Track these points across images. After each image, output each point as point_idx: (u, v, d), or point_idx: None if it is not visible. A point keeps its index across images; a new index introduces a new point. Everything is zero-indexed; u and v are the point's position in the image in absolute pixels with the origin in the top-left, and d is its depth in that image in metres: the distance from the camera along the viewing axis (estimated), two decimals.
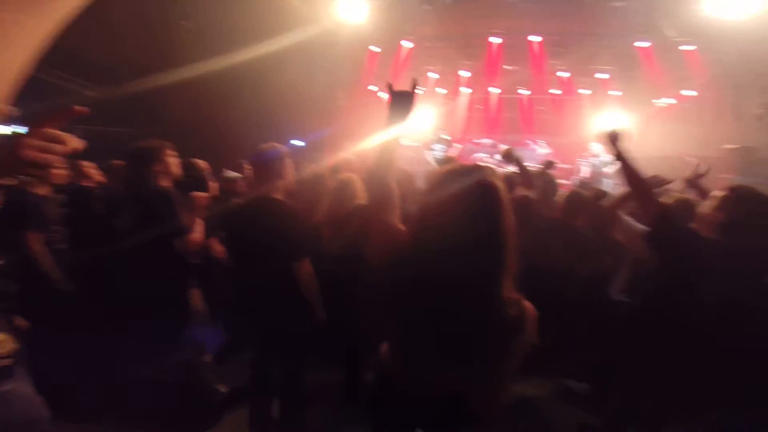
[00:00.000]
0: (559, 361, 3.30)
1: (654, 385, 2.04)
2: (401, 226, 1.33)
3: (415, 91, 1.44)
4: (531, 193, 3.20)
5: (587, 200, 3.28)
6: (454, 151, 12.03)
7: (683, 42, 8.52)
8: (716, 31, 7.24)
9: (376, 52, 10.27)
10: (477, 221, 1.15)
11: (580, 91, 12.54)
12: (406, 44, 10.19)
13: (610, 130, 2.12)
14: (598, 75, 11.32)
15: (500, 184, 1.20)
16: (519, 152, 3.59)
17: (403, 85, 1.44)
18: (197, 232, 2.45)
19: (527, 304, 1.23)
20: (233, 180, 3.94)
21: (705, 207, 2.08)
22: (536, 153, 11.86)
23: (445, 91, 13.25)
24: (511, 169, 3.60)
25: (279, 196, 2.24)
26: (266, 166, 2.24)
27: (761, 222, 1.79)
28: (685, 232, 1.93)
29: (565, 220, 3.04)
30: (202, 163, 3.55)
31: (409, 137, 11.44)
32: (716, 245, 1.85)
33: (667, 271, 1.93)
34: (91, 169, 3.35)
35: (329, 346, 2.80)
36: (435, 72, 12.45)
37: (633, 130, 11.27)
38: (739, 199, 1.88)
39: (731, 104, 9.15)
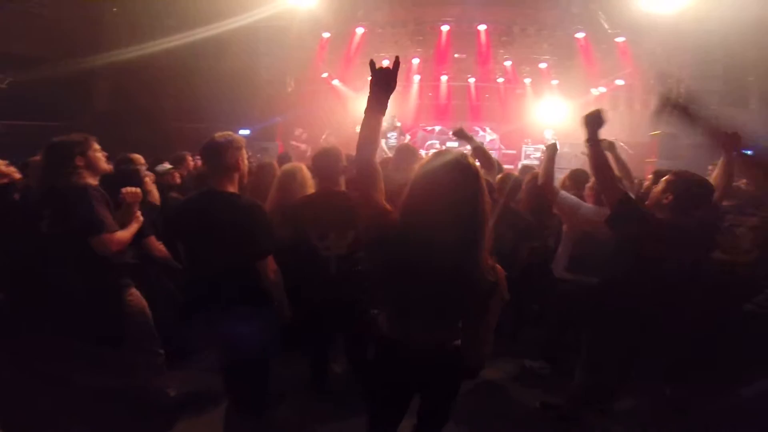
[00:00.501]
0: (516, 341, 3.45)
1: (617, 360, 2.16)
2: (387, 205, 1.42)
3: (397, 69, 1.48)
4: (490, 176, 3.23)
5: (522, 183, 3.39)
6: (407, 138, 12.14)
7: (617, 34, 9.06)
8: (645, 24, 7.75)
9: (327, 39, 10.02)
10: (461, 200, 1.31)
11: (524, 80, 13.06)
12: (359, 30, 10.03)
13: (593, 112, 2.17)
14: (541, 65, 11.82)
15: (479, 168, 1.36)
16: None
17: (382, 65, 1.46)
18: (127, 230, 2.26)
19: (499, 268, 1.42)
20: (167, 173, 3.65)
21: (654, 191, 2.24)
22: (484, 140, 12.23)
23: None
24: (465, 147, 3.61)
25: (232, 188, 2.06)
26: (218, 157, 2.03)
27: (700, 201, 2.04)
28: (643, 214, 2.06)
29: (505, 202, 3.10)
30: (136, 156, 3.27)
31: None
32: (669, 223, 2.03)
33: (630, 249, 2.07)
34: (3, 166, 3.00)
35: (291, 340, 2.74)
36: (387, 59, 12.39)
37: (570, 117, 12.06)
38: (682, 181, 2.08)
39: (656, 93, 9.88)
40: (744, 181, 3.76)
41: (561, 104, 11.86)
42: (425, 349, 1.45)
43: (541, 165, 2.91)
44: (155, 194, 2.95)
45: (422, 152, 11.52)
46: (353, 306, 2.30)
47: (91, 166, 2.26)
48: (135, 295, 2.35)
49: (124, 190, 2.30)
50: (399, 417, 1.64)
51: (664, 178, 2.19)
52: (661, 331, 1.95)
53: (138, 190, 2.38)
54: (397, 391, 1.58)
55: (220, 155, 2.02)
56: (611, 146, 2.83)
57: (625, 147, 8.37)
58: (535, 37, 10.11)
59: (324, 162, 2.34)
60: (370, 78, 1.46)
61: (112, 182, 2.41)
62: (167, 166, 3.74)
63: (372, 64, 1.47)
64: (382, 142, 10.61)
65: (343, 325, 2.51)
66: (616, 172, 2.53)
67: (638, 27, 8.14)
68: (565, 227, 2.97)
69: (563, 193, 2.84)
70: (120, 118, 6.40)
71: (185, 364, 2.80)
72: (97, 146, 2.31)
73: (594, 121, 2.14)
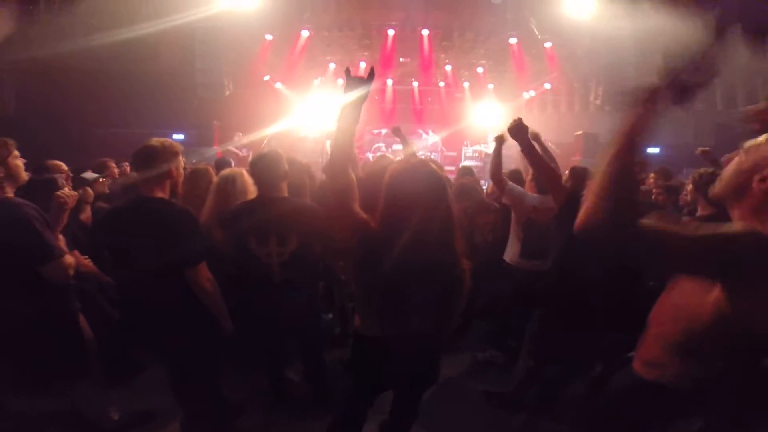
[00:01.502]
0: (465, 336, 3.52)
1: (560, 342, 2.27)
2: (362, 214, 1.47)
3: (372, 78, 1.53)
4: None
5: (464, 185, 3.61)
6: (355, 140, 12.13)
7: (545, 39, 9.72)
8: (568, 29, 8.40)
9: (270, 41, 9.75)
10: (435, 206, 1.44)
11: (463, 84, 13.61)
12: (304, 33, 9.88)
13: (514, 123, 2.29)
14: (478, 69, 12.37)
15: (448, 178, 1.51)
16: (411, 139, 3.78)
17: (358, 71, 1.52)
18: (63, 248, 2.06)
19: (466, 262, 1.55)
20: (94, 181, 3.37)
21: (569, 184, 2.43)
22: (427, 142, 12.53)
23: (341, 81, 13.21)
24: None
25: (162, 195, 1.96)
26: (151, 163, 1.93)
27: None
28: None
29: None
30: (58, 164, 3.00)
31: (309, 129, 11.15)
32: None
33: (576, 242, 2.18)
34: None
35: (244, 352, 2.63)
36: (333, 62, 12.33)
37: (505, 120, 12.63)
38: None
39: (579, 96, 10.76)
40: (652, 175, 4.20)
41: (497, 108, 12.49)
42: (412, 340, 1.53)
43: (490, 159, 3.12)
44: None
45: (369, 155, 11.53)
46: (300, 312, 2.28)
47: (12, 176, 1.97)
48: (82, 319, 2.21)
49: (60, 192, 2.07)
50: (365, 414, 1.74)
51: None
52: (599, 315, 2.08)
53: (75, 193, 2.17)
54: (373, 386, 1.68)
55: (152, 161, 1.93)
56: (536, 136, 3.04)
57: (553, 147, 9.04)
58: (472, 42, 10.60)
59: (263, 167, 2.25)
60: (343, 85, 1.49)
61: (31, 192, 2.14)
62: (92, 174, 3.44)
63: (347, 71, 1.52)
64: (327, 145, 10.51)
65: (293, 331, 2.47)
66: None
67: (563, 32, 8.79)
68: (513, 216, 3.13)
69: (511, 183, 3.05)
70: (28, 124, 5.75)
71: (129, 383, 2.66)
72: (16, 152, 2.03)
73: (518, 130, 2.28)
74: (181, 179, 2.08)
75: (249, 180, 2.49)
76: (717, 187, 1.23)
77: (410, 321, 1.52)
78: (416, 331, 1.53)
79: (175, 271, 1.90)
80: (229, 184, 2.50)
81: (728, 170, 1.21)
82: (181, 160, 2.06)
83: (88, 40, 5.73)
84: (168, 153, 1.97)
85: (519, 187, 3.07)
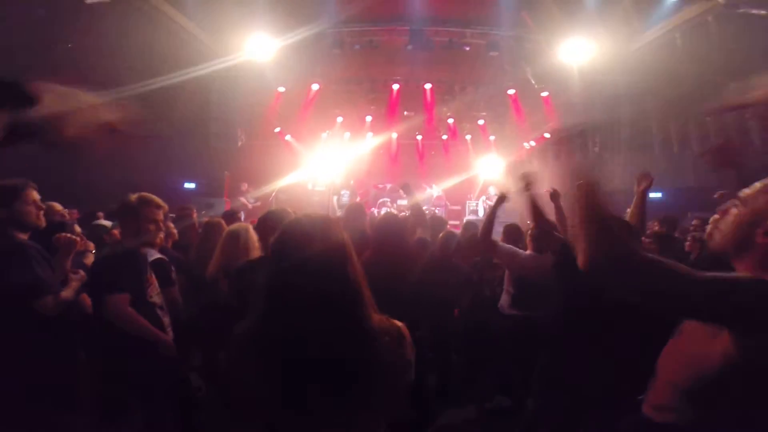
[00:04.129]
0: (475, 385, 3.50)
1: (566, 386, 2.22)
2: None
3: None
4: (425, 232, 3.44)
5: (460, 239, 3.71)
6: (361, 196, 12.30)
7: (542, 89, 10.11)
8: (564, 77, 8.77)
9: (281, 93, 10.19)
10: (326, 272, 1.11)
11: (465, 136, 14.03)
12: (314, 86, 10.36)
13: (516, 168, 2.33)
14: (479, 122, 12.79)
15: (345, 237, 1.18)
16: (417, 194, 3.91)
17: None
18: (69, 288, 2.16)
19: (396, 323, 1.19)
20: (105, 228, 3.41)
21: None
22: (432, 196, 12.66)
23: (348, 134, 13.68)
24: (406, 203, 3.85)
25: (139, 246, 2.19)
26: (125, 216, 2.22)
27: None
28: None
29: (444, 257, 3.32)
30: (57, 206, 3.15)
31: (317, 182, 11.34)
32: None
33: (574, 290, 2.22)
34: None
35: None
36: (341, 115, 12.83)
37: (506, 171, 12.97)
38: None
39: (578, 143, 11.01)
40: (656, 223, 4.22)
41: (498, 159, 12.76)
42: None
43: (483, 219, 3.18)
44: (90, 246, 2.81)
45: (374, 210, 11.64)
46: None
47: (16, 220, 2.08)
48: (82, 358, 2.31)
49: (59, 235, 2.21)
50: None
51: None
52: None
53: (75, 238, 2.27)
54: None
55: (125, 213, 2.21)
56: (555, 196, 3.08)
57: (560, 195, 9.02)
58: (473, 94, 11.05)
59: (269, 225, 2.28)
60: None
61: (42, 235, 2.25)
62: (107, 223, 3.50)
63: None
64: (334, 199, 10.63)
65: None
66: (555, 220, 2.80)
67: (558, 81, 9.16)
68: (506, 271, 3.26)
69: (500, 243, 3.19)
70: (50, 167, 5.90)
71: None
72: (30, 197, 2.12)
73: (518, 170, 2.37)
74: (152, 229, 2.24)
75: (254, 236, 2.59)
76: (717, 240, 1.22)
77: (323, 416, 1.10)
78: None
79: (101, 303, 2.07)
80: (234, 239, 2.62)
81: (727, 223, 1.19)
82: (153, 211, 2.24)
83: (118, 86, 6.01)
84: (139, 208, 2.20)
85: (509, 246, 3.19)
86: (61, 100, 0.79)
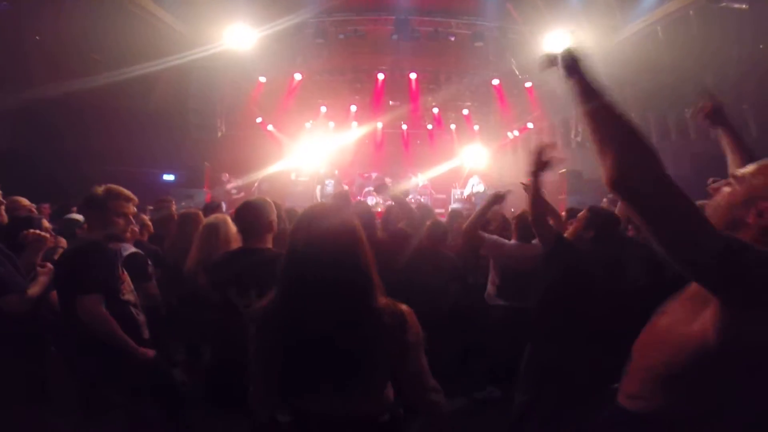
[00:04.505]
0: (463, 375, 3.48)
1: (556, 375, 2.25)
2: None
3: None
4: (405, 224, 3.47)
5: (448, 227, 3.70)
6: (344, 185, 12.22)
7: (525, 79, 10.14)
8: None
9: (263, 83, 9.98)
10: (339, 255, 1.22)
11: (450, 126, 14.04)
12: (297, 76, 10.18)
13: (538, 148, 2.32)
14: (464, 111, 12.80)
15: (357, 223, 1.29)
16: (402, 184, 3.88)
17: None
18: (37, 284, 2.11)
19: (402, 307, 1.27)
20: (78, 222, 3.27)
21: (572, 227, 2.51)
22: (417, 185, 12.66)
23: (333, 124, 13.53)
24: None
25: (98, 235, 2.10)
26: (90, 208, 2.13)
27: (616, 233, 2.35)
28: (574, 250, 2.29)
29: (432, 246, 3.34)
30: (23, 200, 3.04)
31: (300, 172, 11.20)
32: (593, 255, 2.27)
33: (565, 280, 2.28)
34: None
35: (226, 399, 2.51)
36: (325, 105, 12.66)
37: (492, 160, 13.09)
38: (597, 216, 2.37)
39: (560, 134, 11.12)
40: None
41: (483, 148, 12.81)
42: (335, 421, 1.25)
43: (476, 211, 3.22)
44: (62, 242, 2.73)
45: (359, 199, 11.62)
46: None
47: None
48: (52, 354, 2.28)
49: (26, 231, 2.17)
50: None
51: (581, 215, 2.45)
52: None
53: (44, 234, 2.24)
54: None
55: (91, 205, 2.12)
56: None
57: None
58: (458, 84, 11.03)
59: (247, 216, 2.18)
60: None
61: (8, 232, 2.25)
62: (79, 217, 3.37)
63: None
64: (318, 188, 10.52)
65: None
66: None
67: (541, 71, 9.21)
68: (491, 262, 3.30)
69: (486, 235, 3.21)
70: (21, 160, 5.67)
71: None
72: None
73: (538, 158, 2.31)
74: (120, 223, 2.17)
75: (233, 228, 2.50)
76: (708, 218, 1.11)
77: (334, 393, 1.22)
78: (348, 407, 1.23)
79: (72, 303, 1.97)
80: (213, 232, 2.56)
81: (719, 203, 1.14)
82: (122, 204, 2.16)
83: (88, 76, 5.77)
84: (103, 199, 2.11)
85: (494, 237, 3.24)
86: None
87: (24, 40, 5.73)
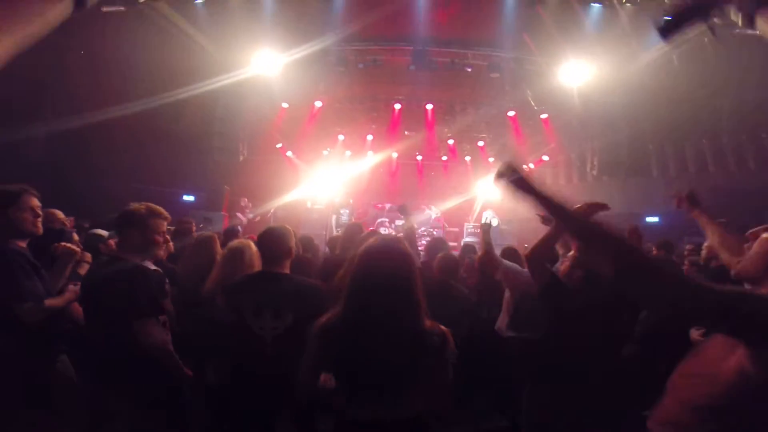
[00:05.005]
0: (472, 406, 3.41)
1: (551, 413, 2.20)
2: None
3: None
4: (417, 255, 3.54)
5: (458, 261, 3.70)
6: (359, 215, 12.26)
7: (541, 111, 10.21)
8: (562, 99, 8.85)
9: (284, 109, 10.28)
10: (398, 284, 1.49)
11: (465, 158, 14.13)
12: (317, 103, 10.47)
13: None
14: (479, 143, 12.89)
15: (411, 255, 1.59)
16: (415, 215, 3.97)
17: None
18: (60, 298, 2.18)
19: (441, 328, 1.54)
20: (102, 237, 3.36)
21: (563, 266, 2.46)
22: (430, 218, 12.62)
23: (349, 153, 13.76)
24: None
25: (134, 257, 2.11)
26: (126, 227, 2.14)
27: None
28: (566, 291, 2.24)
29: (443, 279, 3.32)
30: (58, 213, 3.12)
31: (316, 200, 11.31)
32: (582, 296, 2.22)
33: (556, 320, 2.29)
34: None
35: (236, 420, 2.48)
36: (342, 134, 12.93)
37: (503, 193, 12.87)
38: (587, 258, 2.27)
39: (576, 167, 11.07)
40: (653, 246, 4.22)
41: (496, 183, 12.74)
42: (393, 425, 1.48)
43: (480, 243, 3.21)
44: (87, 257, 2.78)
45: (372, 230, 11.57)
46: (293, 383, 2.23)
47: (9, 227, 2.08)
48: (64, 362, 2.27)
49: (59, 244, 2.23)
50: None
51: (570, 254, 2.42)
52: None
53: (75, 248, 2.31)
54: None
55: (128, 224, 2.13)
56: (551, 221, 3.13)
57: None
58: (473, 115, 11.17)
59: (268, 242, 2.35)
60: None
61: (38, 242, 2.27)
62: (104, 232, 3.48)
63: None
64: (332, 218, 10.58)
65: (286, 400, 2.35)
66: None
67: (557, 102, 9.26)
68: (507, 293, 3.22)
69: (505, 261, 3.18)
70: (50, 173, 5.85)
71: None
72: (27, 204, 2.12)
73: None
74: (161, 245, 2.24)
75: (256, 253, 2.60)
76: (742, 266, 1.27)
77: (384, 400, 1.47)
78: (394, 412, 1.48)
79: (124, 327, 1.98)
80: (237, 256, 2.63)
81: (755, 250, 1.24)
82: (158, 222, 2.20)
83: (126, 97, 6.02)
84: (138, 218, 2.12)
85: (514, 265, 3.20)
86: None
87: (66, 57, 6.06)
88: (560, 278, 2.35)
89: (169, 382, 2.09)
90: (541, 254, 2.32)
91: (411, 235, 3.80)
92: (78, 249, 2.36)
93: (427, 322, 1.51)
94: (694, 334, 2.79)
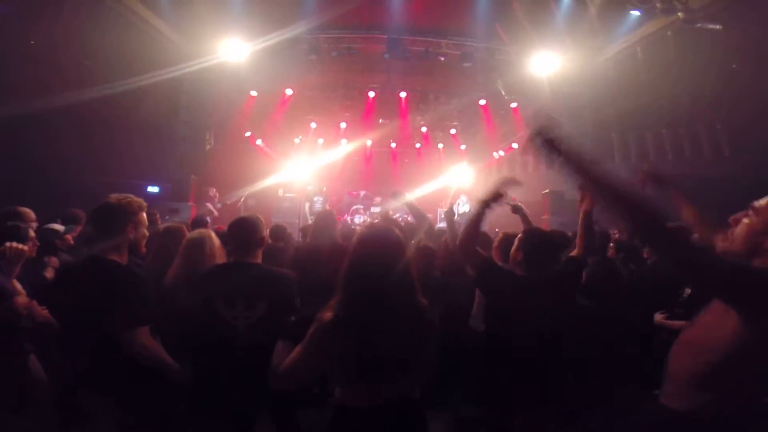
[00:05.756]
0: (445, 393, 3.39)
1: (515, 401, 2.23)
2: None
3: None
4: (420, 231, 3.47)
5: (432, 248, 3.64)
6: (333, 203, 12.16)
7: (511, 100, 10.39)
8: (531, 89, 9.02)
9: (254, 97, 9.98)
10: (395, 267, 1.52)
11: (438, 145, 14.22)
12: (288, 91, 10.24)
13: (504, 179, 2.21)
14: (451, 131, 13.00)
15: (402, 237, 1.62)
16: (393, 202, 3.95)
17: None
18: (21, 293, 2.13)
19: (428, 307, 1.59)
20: (57, 233, 3.24)
21: (513, 249, 2.44)
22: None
23: (322, 141, 13.56)
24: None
25: (117, 256, 1.96)
26: (108, 221, 1.96)
27: (546, 257, 2.25)
28: (503, 274, 2.22)
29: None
30: (26, 211, 2.99)
31: (288, 188, 11.11)
32: (522, 279, 2.22)
33: (490, 305, 2.38)
34: None
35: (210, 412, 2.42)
36: (315, 122, 12.71)
37: (477, 180, 13.29)
38: (528, 238, 2.29)
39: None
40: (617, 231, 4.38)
41: (469, 168, 12.99)
42: (395, 407, 1.52)
43: (447, 231, 3.11)
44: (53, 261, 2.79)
45: (347, 218, 11.54)
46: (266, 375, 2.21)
47: None
48: (34, 361, 2.25)
49: (8, 244, 2.13)
50: None
51: (517, 237, 2.39)
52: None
53: (23, 247, 2.22)
54: None
55: (109, 219, 1.96)
56: (519, 209, 3.14)
57: (523, 206, 9.17)
58: (446, 104, 11.26)
59: (239, 231, 2.30)
60: None
61: None
62: (60, 226, 3.35)
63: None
64: (305, 206, 10.43)
65: (262, 391, 2.27)
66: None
67: (527, 92, 9.44)
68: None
69: (484, 253, 3.04)
70: (6, 166, 5.47)
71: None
72: None
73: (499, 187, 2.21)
74: (142, 238, 2.08)
75: (217, 243, 2.56)
76: (728, 245, 1.33)
77: (390, 383, 1.50)
78: (397, 395, 1.52)
79: (113, 334, 1.87)
80: (197, 246, 2.53)
81: (739, 232, 1.30)
82: (143, 217, 2.07)
83: (81, 85, 5.67)
84: (125, 211, 1.96)
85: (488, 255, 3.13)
86: None
87: (19, 46, 5.64)
88: (495, 264, 2.35)
89: (157, 384, 2.00)
90: (472, 240, 2.26)
91: (390, 222, 3.79)
92: (25, 248, 2.24)
93: (424, 301, 1.57)
94: (658, 317, 2.93)
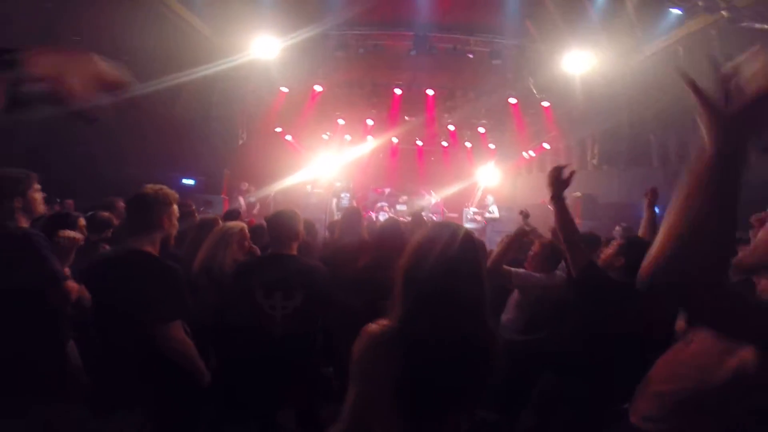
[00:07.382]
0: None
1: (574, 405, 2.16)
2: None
3: None
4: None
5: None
6: (359, 199, 12.27)
7: (543, 98, 10.09)
8: (564, 88, 8.74)
9: (284, 93, 10.20)
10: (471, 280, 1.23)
11: (465, 144, 14.07)
12: (317, 88, 10.38)
13: (554, 170, 2.23)
14: (480, 129, 12.84)
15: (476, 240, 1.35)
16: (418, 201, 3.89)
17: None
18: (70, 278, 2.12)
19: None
20: (105, 222, 3.36)
21: (605, 254, 2.39)
22: (430, 203, 12.63)
23: (349, 137, 13.69)
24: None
25: (151, 248, 1.94)
26: (142, 213, 1.95)
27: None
28: (607, 280, 2.14)
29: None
30: (70, 202, 3.05)
31: (316, 184, 11.30)
32: (627, 288, 2.08)
33: (588, 312, 2.18)
34: None
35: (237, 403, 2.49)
36: (342, 118, 12.85)
37: (506, 180, 13.02)
38: (631, 245, 2.20)
39: (577, 156, 11.00)
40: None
41: (497, 168, 12.78)
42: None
43: (498, 249, 2.97)
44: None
45: (372, 215, 11.61)
46: (299, 364, 2.31)
47: (28, 209, 2.03)
48: (73, 348, 2.22)
49: (61, 233, 2.13)
50: None
51: (615, 242, 2.38)
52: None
53: (78, 235, 2.24)
54: None
55: (143, 210, 1.94)
56: (527, 215, 3.22)
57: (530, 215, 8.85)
58: (474, 102, 11.06)
59: (278, 224, 2.39)
60: None
61: (45, 227, 2.23)
62: (106, 215, 3.46)
63: None
64: (333, 202, 10.57)
65: (291, 382, 2.41)
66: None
67: (559, 91, 9.14)
68: (516, 296, 3.06)
69: (514, 270, 2.95)
70: (47, 159, 5.83)
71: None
72: (37, 185, 2.10)
73: (557, 178, 2.22)
74: (173, 230, 2.07)
75: (246, 236, 2.63)
76: (747, 257, 1.18)
77: (446, 422, 1.20)
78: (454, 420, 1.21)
79: (146, 328, 1.85)
80: (227, 237, 2.57)
81: (761, 239, 1.16)
82: (176, 209, 2.06)
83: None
84: (160, 203, 1.95)
85: (522, 270, 3.01)
86: (60, 63, 0.74)
87: (64, 42, 5.97)
88: (598, 265, 2.25)
89: (184, 378, 1.99)
90: (573, 236, 2.21)
91: (419, 219, 3.73)
92: (78, 236, 2.26)
93: (493, 333, 1.26)
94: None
